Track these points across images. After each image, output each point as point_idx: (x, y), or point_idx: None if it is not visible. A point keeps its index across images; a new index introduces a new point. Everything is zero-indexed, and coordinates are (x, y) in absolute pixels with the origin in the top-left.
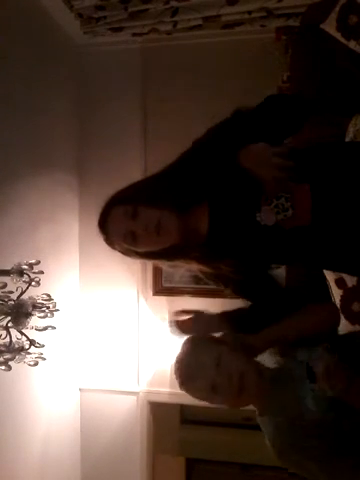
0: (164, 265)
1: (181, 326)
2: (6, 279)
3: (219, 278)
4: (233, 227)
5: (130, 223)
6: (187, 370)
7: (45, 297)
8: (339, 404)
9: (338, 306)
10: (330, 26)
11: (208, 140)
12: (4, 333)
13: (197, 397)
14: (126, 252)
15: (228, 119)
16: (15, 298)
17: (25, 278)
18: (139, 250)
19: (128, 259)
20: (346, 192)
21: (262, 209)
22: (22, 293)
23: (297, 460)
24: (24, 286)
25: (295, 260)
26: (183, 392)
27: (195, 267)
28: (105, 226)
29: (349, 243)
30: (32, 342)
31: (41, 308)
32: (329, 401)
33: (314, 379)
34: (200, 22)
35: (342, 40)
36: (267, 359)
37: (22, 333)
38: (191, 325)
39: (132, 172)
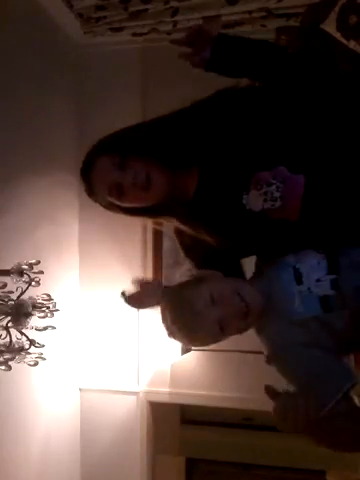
0: (148, 221)
1: (133, 300)
2: (6, 279)
3: (192, 246)
4: (218, 201)
5: (117, 175)
6: (188, 327)
7: (45, 297)
8: (327, 302)
9: None
10: (330, 26)
11: (214, 102)
12: (4, 333)
13: (207, 344)
14: (108, 206)
15: (241, 88)
16: (15, 298)
17: (25, 278)
18: (123, 205)
19: (128, 259)
20: (344, 191)
21: (250, 192)
22: (22, 293)
23: (286, 363)
24: (24, 286)
25: (271, 253)
26: (183, 392)
27: (175, 225)
28: (89, 176)
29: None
30: (32, 342)
31: (41, 308)
32: (316, 301)
33: (301, 281)
34: (200, 22)
35: (342, 40)
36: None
37: (22, 333)
38: (142, 298)
39: None
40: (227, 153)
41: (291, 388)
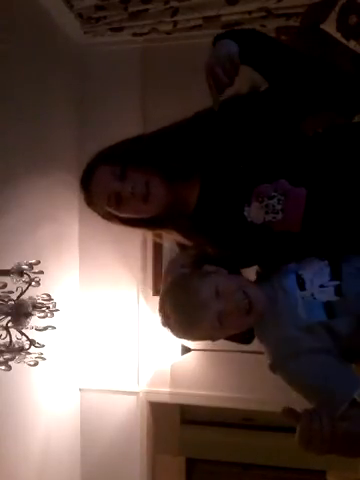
0: (147, 234)
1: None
2: (6, 279)
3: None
4: (219, 214)
5: (116, 184)
6: (188, 316)
7: (45, 297)
8: (331, 308)
9: None
10: (330, 26)
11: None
12: (4, 333)
13: (201, 338)
14: (106, 216)
15: (242, 95)
16: (15, 298)
17: (25, 278)
18: (121, 215)
19: (128, 259)
20: (345, 203)
21: (252, 205)
22: (22, 293)
23: (292, 370)
24: (24, 286)
25: (274, 263)
26: (183, 392)
27: (176, 238)
28: (88, 185)
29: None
30: (32, 342)
31: (41, 308)
32: (320, 307)
33: (303, 287)
34: (200, 22)
35: (342, 40)
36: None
37: (22, 333)
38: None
39: None
40: (228, 165)
41: (308, 404)
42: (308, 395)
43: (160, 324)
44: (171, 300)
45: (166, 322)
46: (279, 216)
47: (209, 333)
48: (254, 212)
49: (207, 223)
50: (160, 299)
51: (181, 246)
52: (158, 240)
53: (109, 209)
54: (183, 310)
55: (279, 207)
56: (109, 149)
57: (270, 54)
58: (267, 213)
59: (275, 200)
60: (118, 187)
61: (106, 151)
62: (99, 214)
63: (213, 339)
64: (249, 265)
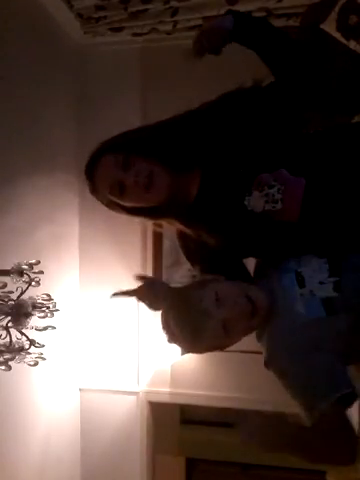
0: (148, 223)
1: (136, 293)
2: (6, 279)
3: (196, 250)
4: (220, 202)
5: (119, 173)
6: (192, 327)
7: (45, 297)
8: (330, 305)
9: None
10: (330, 26)
11: (219, 106)
12: (4, 333)
13: (208, 348)
14: (110, 205)
15: (245, 90)
16: (15, 298)
17: (25, 278)
18: (124, 204)
19: (128, 259)
20: (343, 196)
21: (252, 194)
22: (22, 293)
23: (281, 367)
24: (24, 286)
25: (273, 255)
26: (183, 392)
27: (177, 227)
28: (92, 174)
29: (334, 250)
30: (32, 342)
31: (41, 308)
32: (319, 303)
33: (303, 284)
34: (200, 22)
35: (342, 40)
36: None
37: (22, 333)
38: (144, 292)
39: None
40: (230, 156)
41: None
42: (292, 392)
43: (167, 342)
44: (173, 314)
45: (172, 338)
46: (278, 206)
47: (215, 342)
48: (254, 201)
49: (208, 211)
50: (162, 316)
51: (181, 237)
52: (158, 229)
53: (112, 197)
54: (185, 322)
55: (279, 196)
56: (112, 139)
57: (267, 39)
58: (267, 202)
59: (275, 189)
60: (121, 176)
61: (109, 141)
62: (102, 203)
63: (221, 348)
64: (248, 255)
